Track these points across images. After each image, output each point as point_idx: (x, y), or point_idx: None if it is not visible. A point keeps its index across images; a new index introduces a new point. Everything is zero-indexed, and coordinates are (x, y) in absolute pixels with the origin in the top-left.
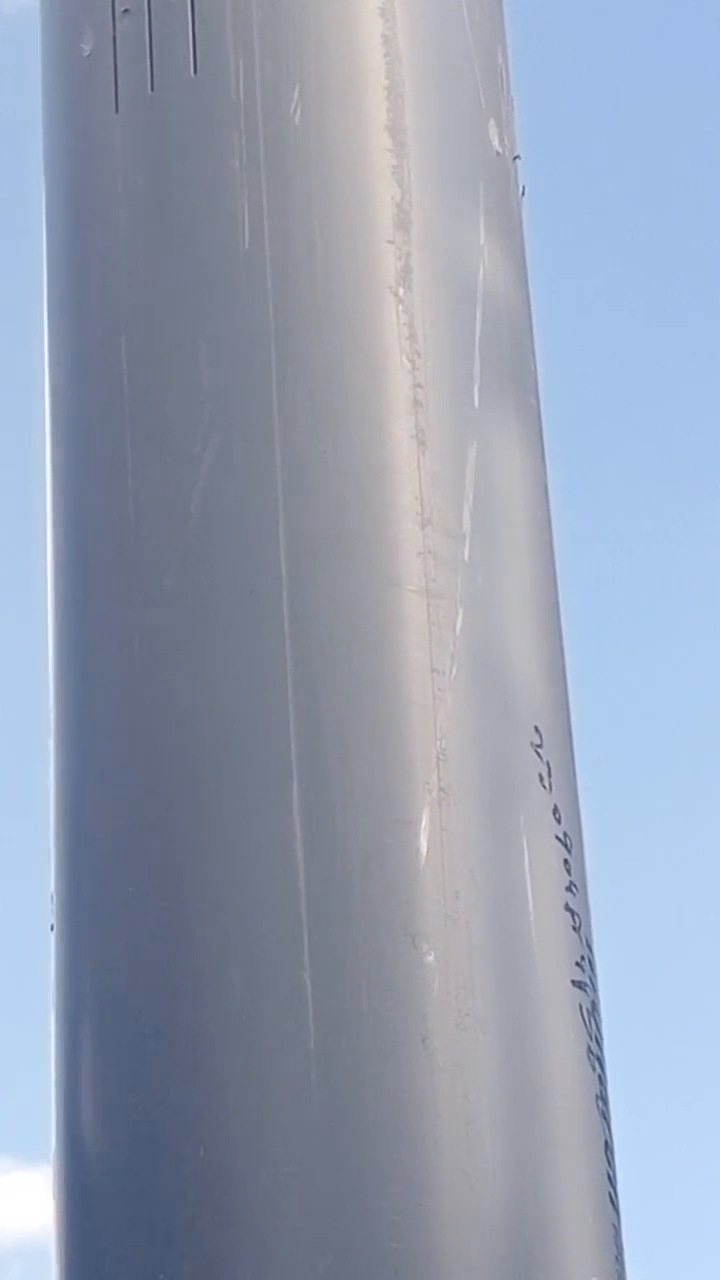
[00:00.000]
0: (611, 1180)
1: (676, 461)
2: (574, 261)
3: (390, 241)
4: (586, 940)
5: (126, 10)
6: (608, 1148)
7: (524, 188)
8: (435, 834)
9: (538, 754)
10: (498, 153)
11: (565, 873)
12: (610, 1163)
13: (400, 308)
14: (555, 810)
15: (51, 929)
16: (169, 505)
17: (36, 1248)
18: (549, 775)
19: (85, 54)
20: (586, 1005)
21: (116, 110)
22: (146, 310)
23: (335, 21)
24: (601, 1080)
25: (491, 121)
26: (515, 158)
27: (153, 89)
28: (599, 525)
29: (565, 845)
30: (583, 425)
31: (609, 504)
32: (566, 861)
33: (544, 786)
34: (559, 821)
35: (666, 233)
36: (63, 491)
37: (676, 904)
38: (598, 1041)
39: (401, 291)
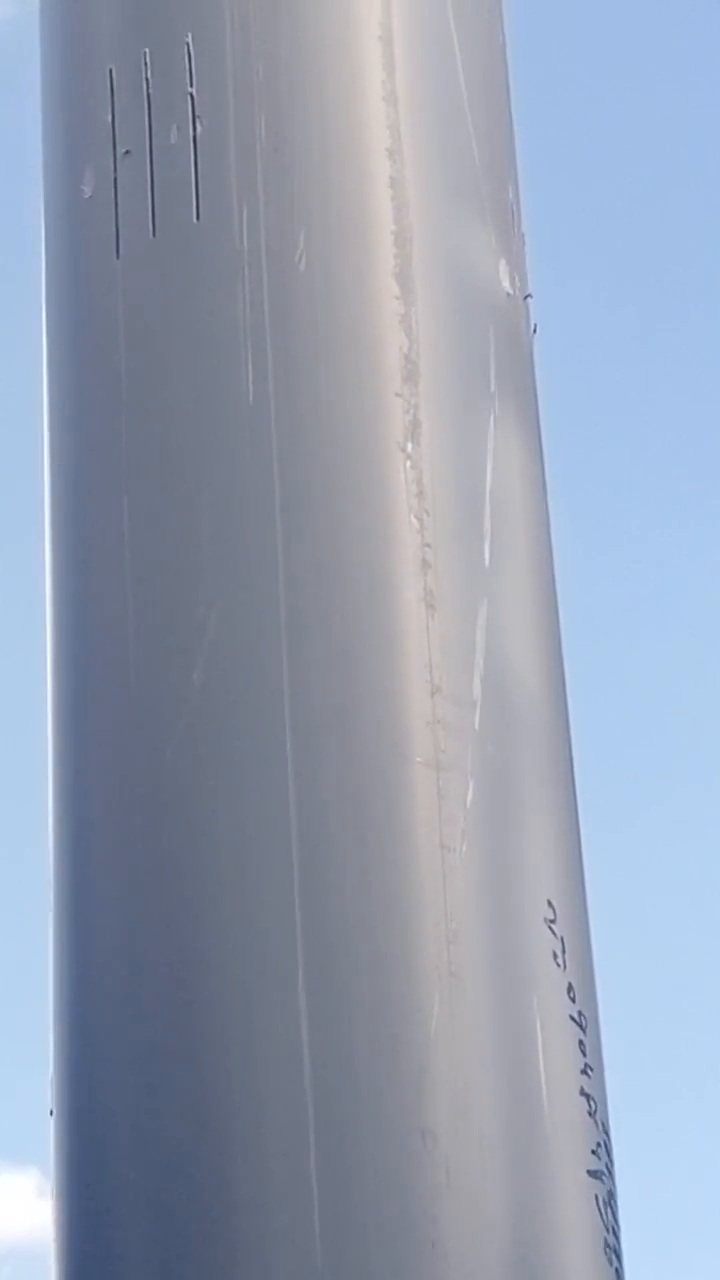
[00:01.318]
0: None
1: (683, 499)
2: (577, 272)
3: (398, 394)
4: (603, 1124)
5: (128, 151)
6: None
7: (535, 325)
8: (445, 1022)
9: (551, 930)
10: (508, 294)
11: (580, 1054)
12: None
13: (408, 464)
14: (569, 989)
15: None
16: (170, 674)
17: (28, 1249)
18: (563, 951)
19: (86, 195)
20: (603, 1195)
21: (118, 256)
22: (147, 468)
23: (341, 165)
24: (619, 1273)
25: (502, 262)
26: (526, 296)
27: (155, 234)
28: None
29: (580, 1025)
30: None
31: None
32: (581, 1042)
33: (558, 964)
34: (573, 1000)
35: (668, 248)
36: (62, 659)
37: (681, 948)
38: (614, 1233)
39: (410, 447)
